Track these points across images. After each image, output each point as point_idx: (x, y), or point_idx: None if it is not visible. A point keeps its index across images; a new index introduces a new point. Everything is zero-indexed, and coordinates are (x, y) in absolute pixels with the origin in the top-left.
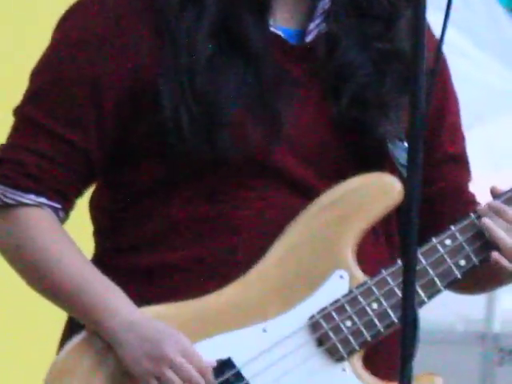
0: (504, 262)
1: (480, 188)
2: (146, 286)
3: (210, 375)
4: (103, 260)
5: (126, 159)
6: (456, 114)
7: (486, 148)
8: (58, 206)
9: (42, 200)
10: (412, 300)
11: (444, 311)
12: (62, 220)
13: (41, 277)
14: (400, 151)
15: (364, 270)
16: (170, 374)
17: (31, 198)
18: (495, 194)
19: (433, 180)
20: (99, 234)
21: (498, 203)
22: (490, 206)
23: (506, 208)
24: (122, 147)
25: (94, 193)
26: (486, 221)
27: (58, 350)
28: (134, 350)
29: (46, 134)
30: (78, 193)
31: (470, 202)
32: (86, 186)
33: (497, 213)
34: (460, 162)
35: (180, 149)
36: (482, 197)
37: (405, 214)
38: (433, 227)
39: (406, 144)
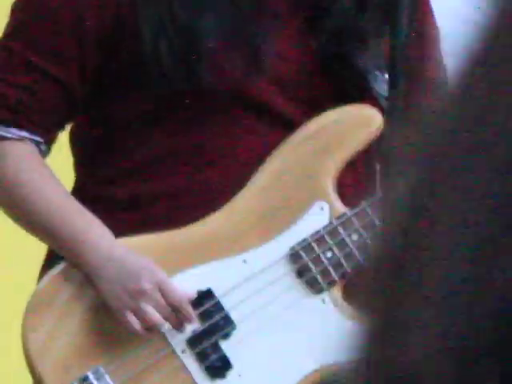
0: None
1: None
2: (127, 216)
3: (188, 307)
4: (84, 191)
5: (107, 92)
6: (437, 42)
7: None
8: (40, 139)
9: (24, 134)
10: None
11: None
12: (44, 153)
13: (22, 208)
14: (381, 83)
15: (345, 203)
16: (146, 307)
17: (13, 132)
18: None
19: None
20: (80, 166)
21: None
22: None
23: None
24: (103, 80)
25: (75, 126)
26: None
27: (37, 282)
28: (112, 283)
29: (28, 67)
30: (60, 126)
31: None
32: (67, 119)
33: None
34: None
35: (160, 80)
36: None
37: (385, 146)
38: None
39: (386, 76)
